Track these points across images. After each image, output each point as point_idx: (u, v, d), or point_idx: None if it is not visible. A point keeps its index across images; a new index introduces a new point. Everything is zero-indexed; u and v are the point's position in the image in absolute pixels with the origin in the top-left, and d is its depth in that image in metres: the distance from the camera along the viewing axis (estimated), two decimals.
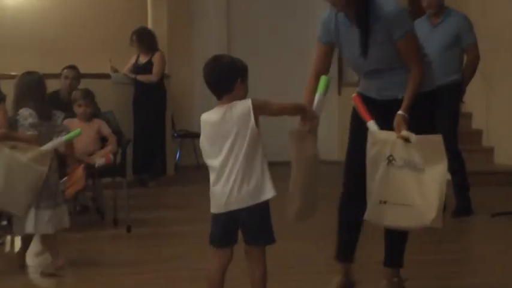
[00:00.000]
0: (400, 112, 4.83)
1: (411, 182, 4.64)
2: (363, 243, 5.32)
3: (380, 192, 4.78)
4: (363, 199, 4.92)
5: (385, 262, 5.34)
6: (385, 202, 4.73)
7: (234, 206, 4.39)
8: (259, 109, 4.43)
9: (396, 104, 4.93)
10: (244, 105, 4.42)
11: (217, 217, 4.49)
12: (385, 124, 4.85)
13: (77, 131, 6.42)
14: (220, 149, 4.50)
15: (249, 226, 4.45)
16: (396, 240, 5.29)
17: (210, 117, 4.58)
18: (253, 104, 4.39)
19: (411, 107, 4.89)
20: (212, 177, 4.52)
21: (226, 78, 4.48)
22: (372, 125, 4.88)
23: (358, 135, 5.01)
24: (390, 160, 4.73)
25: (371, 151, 4.84)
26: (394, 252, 5.31)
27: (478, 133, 11.67)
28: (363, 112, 4.98)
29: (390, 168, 4.72)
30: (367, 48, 4.96)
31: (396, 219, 4.73)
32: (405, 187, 4.67)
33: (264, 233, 4.45)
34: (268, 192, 4.41)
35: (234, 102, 4.45)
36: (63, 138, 6.41)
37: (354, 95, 5.23)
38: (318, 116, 4.76)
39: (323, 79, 4.83)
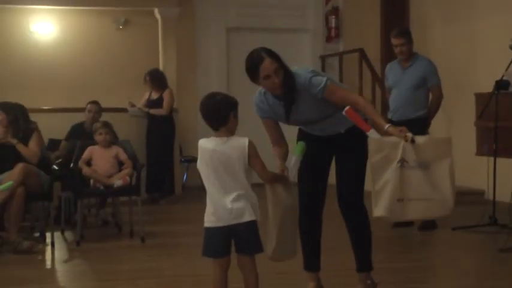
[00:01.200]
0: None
1: (426, 179, 4.65)
2: (335, 251, 5.35)
3: (395, 192, 4.71)
4: (317, 212, 5.19)
5: (357, 268, 5.29)
6: (402, 200, 4.69)
7: (234, 221, 4.43)
8: (251, 153, 4.50)
9: (340, 135, 5.10)
10: (241, 142, 4.51)
11: (216, 230, 4.52)
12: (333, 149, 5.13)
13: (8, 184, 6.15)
14: (217, 171, 4.57)
15: (244, 238, 4.48)
16: (363, 247, 5.26)
17: (207, 145, 4.65)
18: (249, 145, 4.49)
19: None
20: (211, 195, 4.60)
21: (221, 112, 4.56)
22: (373, 133, 4.81)
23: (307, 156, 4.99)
24: (402, 163, 4.69)
25: (375, 157, 4.77)
26: (363, 258, 5.26)
27: None
28: (361, 123, 4.88)
29: (404, 170, 4.68)
30: (289, 116, 5.05)
31: (418, 212, 4.77)
32: (421, 184, 4.66)
33: (254, 243, 4.50)
34: (257, 214, 4.51)
35: (233, 136, 4.54)
36: None
37: (347, 108, 4.99)
38: (293, 176, 4.89)
39: (300, 145, 4.97)
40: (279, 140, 5.14)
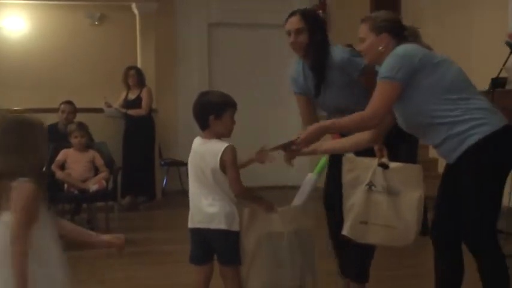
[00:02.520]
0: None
1: (391, 206, 4.62)
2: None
3: (360, 214, 4.74)
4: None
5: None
6: (365, 223, 4.70)
7: (203, 225, 4.43)
8: (226, 160, 4.38)
9: None
10: (217, 147, 4.44)
11: (191, 232, 4.57)
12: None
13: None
14: (196, 172, 4.54)
15: (217, 247, 4.48)
16: (360, 257, 5.28)
17: (193, 144, 4.61)
18: (224, 151, 4.37)
19: None
20: (191, 195, 4.58)
21: (200, 115, 4.52)
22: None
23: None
24: (370, 186, 4.70)
25: (347, 176, 4.82)
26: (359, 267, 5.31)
27: (434, 161, 11.71)
28: (338, 136, 4.98)
29: (370, 193, 4.70)
30: (319, 91, 5.07)
31: (378, 237, 4.73)
32: (386, 210, 4.65)
33: (228, 254, 4.46)
34: (236, 226, 4.39)
35: (213, 139, 4.48)
36: None
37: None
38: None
39: (323, 160, 5.02)
40: (310, 122, 5.02)
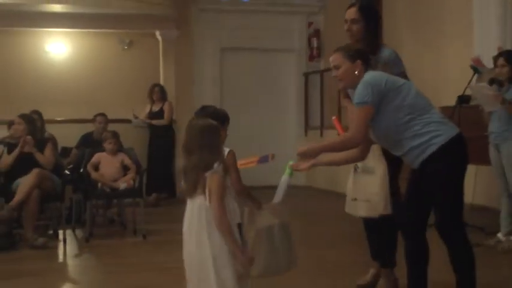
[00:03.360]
0: None
1: (367, 182, 4.69)
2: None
3: (351, 193, 4.83)
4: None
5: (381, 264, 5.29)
6: (355, 199, 4.77)
7: None
8: (228, 163, 4.13)
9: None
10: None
11: None
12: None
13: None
14: None
15: None
16: (384, 242, 5.22)
17: None
18: (227, 155, 4.17)
19: None
20: None
21: None
22: None
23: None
24: (356, 169, 4.79)
25: None
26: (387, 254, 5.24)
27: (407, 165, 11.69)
28: (341, 131, 4.94)
29: (356, 174, 4.79)
30: None
31: (363, 211, 4.76)
32: (364, 187, 4.71)
33: None
34: (237, 219, 4.17)
35: None
36: None
37: (334, 117, 5.22)
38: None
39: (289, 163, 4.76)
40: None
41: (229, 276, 3.68)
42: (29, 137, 7.87)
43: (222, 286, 3.67)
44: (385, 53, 4.94)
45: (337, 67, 4.40)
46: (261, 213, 4.38)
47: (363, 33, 4.85)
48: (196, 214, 3.74)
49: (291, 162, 4.53)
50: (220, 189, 3.65)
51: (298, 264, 4.39)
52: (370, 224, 5.16)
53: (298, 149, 4.43)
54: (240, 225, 4.04)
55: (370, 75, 4.27)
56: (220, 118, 4.37)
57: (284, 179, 4.56)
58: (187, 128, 3.86)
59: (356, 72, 4.29)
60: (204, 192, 3.68)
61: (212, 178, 3.66)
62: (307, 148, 4.48)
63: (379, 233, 5.18)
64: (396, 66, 4.92)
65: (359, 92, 4.20)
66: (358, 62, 4.30)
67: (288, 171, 4.51)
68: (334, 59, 4.43)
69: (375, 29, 4.97)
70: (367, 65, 4.37)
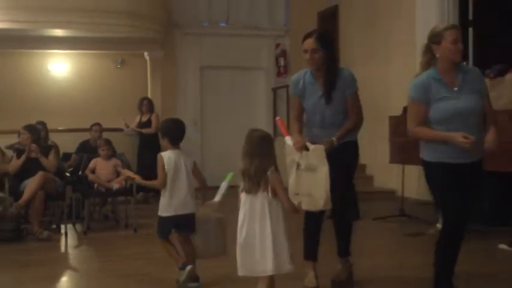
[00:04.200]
0: (333, 138, 4.73)
1: (310, 179, 4.55)
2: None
3: (293, 187, 4.67)
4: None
5: (339, 253, 5.17)
6: (297, 194, 4.63)
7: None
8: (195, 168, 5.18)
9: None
10: (190, 159, 5.21)
11: (169, 218, 5.11)
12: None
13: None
14: (176, 173, 5.10)
15: (188, 223, 5.07)
16: (345, 235, 5.12)
17: (170, 155, 5.15)
18: (195, 162, 5.23)
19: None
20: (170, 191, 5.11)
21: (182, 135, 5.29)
22: (288, 140, 4.77)
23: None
24: (298, 165, 4.63)
25: (287, 158, 4.77)
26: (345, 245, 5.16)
27: (363, 166, 11.78)
28: (284, 130, 4.84)
29: (298, 171, 4.63)
30: (330, 98, 4.78)
31: (305, 205, 4.53)
32: (307, 183, 4.57)
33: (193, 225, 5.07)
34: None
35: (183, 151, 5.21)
36: None
37: (277, 118, 5.22)
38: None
39: (230, 175, 4.99)
40: (299, 116, 4.94)
41: (284, 251, 4.00)
42: (34, 145, 7.87)
43: (277, 256, 3.97)
44: (345, 74, 4.87)
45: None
46: (202, 208, 5.01)
47: (324, 59, 4.74)
48: (260, 206, 4.00)
49: (231, 174, 4.71)
50: (282, 183, 4.00)
51: None
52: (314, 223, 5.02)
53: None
54: None
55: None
56: (173, 132, 5.21)
57: (224, 184, 4.98)
58: (247, 137, 4.15)
59: None
60: (266, 189, 3.98)
61: (273, 176, 3.97)
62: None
63: (340, 227, 5.10)
64: (352, 87, 4.89)
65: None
66: None
67: (228, 177, 4.77)
68: None
69: (333, 55, 4.87)
70: None
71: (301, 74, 4.93)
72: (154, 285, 5.33)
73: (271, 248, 3.94)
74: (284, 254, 3.99)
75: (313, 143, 4.75)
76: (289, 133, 4.80)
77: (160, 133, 5.30)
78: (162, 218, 5.12)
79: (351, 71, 5.06)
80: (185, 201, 5.09)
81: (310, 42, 4.74)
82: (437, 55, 4.33)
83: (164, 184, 5.09)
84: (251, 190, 4.02)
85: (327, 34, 4.91)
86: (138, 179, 5.56)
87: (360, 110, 5.00)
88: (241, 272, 4.05)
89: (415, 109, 4.39)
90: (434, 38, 4.31)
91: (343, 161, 4.83)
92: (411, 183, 8.46)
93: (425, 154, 4.44)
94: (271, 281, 4.05)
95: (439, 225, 7.28)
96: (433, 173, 4.38)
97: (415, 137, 4.49)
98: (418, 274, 5.53)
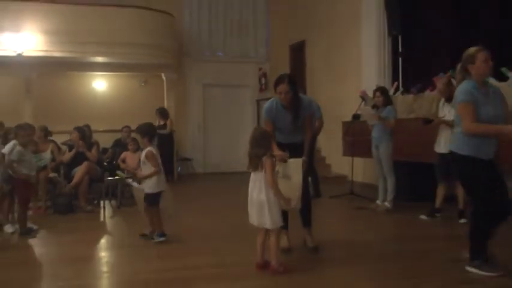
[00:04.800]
0: (303, 158, 4.61)
1: (285, 184, 4.34)
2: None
3: None
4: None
5: (304, 224, 5.05)
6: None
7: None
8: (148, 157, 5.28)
9: (297, 145, 4.77)
10: (145, 151, 5.36)
11: (158, 193, 5.39)
12: (291, 154, 4.54)
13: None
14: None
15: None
16: (308, 211, 5.04)
17: (155, 149, 5.38)
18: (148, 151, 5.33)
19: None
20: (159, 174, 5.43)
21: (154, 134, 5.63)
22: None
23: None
24: (277, 173, 4.41)
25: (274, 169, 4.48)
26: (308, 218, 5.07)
27: (323, 158, 11.77)
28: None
29: (278, 178, 4.38)
30: (297, 124, 4.76)
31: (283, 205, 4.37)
32: (282, 187, 4.28)
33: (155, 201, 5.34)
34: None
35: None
36: None
37: None
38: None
39: (120, 173, 5.11)
40: (273, 133, 4.68)
41: (276, 211, 4.12)
42: (81, 142, 7.84)
43: (272, 215, 4.09)
44: (305, 102, 4.80)
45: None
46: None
47: (292, 96, 4.67)
48: (259, 181, 4.11)
49: (121, 173, 4.77)
50: (271, 166, 4.07)
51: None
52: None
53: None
54: None
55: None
56: (150, 132, 5.37)
57: (136, 187, 5.40)
58: (252, 132, 4.25)
59: None
60: (262, 169, 4.08)
61: (266, 161, 4.07)
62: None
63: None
64: (309, 110, 4.86)
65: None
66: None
67: (120, 175, 4.87)
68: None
69: (297, 92, 4.75)
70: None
71: (273, 104, 4.79)
72: (171, 244, 5.29)
73: (267, 210, 4.08)
74: (276, 214, 4.11)
75: (279, 144, 4.64)
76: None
77: (140, 134, 5.42)
78: (154, 194, 5.33)
79: (310, 98, 5.08)
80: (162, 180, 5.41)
81: (283, 87, 4.62)
82: (472, 72, 4.04)
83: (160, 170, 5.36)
84: (252, 169, 4.15)
85: (292, 77, 4.76)
86: (139, 174, 5.51)
87: (322, 119, 4.93)
88: (250, 221, 4.20)
89: (468, 109, 3.93)
90: (470, 59, 4.03)
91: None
92: (358, 170, 8.46)
93: (466, 150, 4.01)
94: (267, 233, 4.18)
95: (378, 202, 7.31)
96: (474, 166, 4.00)
97: (473, 132, 3.95)
98: (363, 237, 5.56)
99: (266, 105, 4.91)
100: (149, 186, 5.35)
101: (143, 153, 5.32)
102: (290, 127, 4.81)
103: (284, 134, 4.86)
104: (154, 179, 5.33)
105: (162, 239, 5.27)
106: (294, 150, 4.67)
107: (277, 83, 4.68)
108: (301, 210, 4.85)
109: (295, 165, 4.52)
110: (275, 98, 4.81)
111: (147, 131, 5.41)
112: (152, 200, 5.36)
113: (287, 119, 4.78)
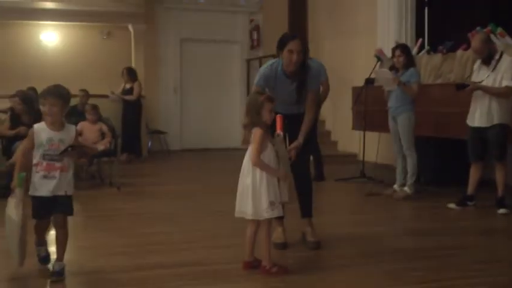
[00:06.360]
0: (299, 141, 4.56)
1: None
2: None
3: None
4: None
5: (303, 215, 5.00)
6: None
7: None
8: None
9: (297, 116, 4.70)
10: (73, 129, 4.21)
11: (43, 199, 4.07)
12: (290, 126, 4.51)
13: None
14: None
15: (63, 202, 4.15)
16: (308, 197, 4.99)
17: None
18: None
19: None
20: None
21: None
22: (280, 134, 4.32)
23: None
24: (276, 153, 4.41)
25: (274, 148, 4.34)
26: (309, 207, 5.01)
27: (328, 132, 11.83)
28: (279, 126, 4.29)
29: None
30: (300, 98, 4.68)
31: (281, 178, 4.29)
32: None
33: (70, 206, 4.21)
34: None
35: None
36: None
37: (278, 115, 4.35)
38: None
39: (20, 176, 4.00)
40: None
41: (263, 201, 4.01)
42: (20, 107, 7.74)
43: (255, 203, 4.02)
44: (313, 71, 4.72)
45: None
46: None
47: (302, 57, 4.58)
48: (247, 158, 4.10)
49: (22, 174, 3.97)
50: (259, 139, 4.00)
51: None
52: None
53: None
54: None
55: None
56: (65, 97, 4.09)
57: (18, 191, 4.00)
58: (248, 96, 4.29)
59: None
60: (251, 142, 4.07)
61: (254, 132, 4.04)
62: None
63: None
64: (317, 83, 4.93)
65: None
66: None
67: (19, 177, 3.99)
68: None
69: (306, 58, 4.70)
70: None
71: (273, 70, 4.68)
72: (137, 238, 5.25)
73: (250, 196, 4.01)
74: (263, 204, 4.00)
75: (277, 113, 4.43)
76: (280, 129, 4.38)
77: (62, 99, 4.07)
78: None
79: (319, 62, 5.00)
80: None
81: (297, 44, 4.52)
82: None
83: None
84: (245, 142, 4.15)
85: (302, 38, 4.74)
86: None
87: (327, 82, 4.87)
88: (236, 214, 4.15)
89: None
90: None
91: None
92: (371, 147, 8.46)
93: None
94: (257, 225, 4.13)
95: (395, 186, 7.32)
96: None
97: None
98: (376, 231, 5.55)
99: (262, 69, 4.76)
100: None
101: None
102: (291, 100, 4.73)
103: (283, 104, 4.69)
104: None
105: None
106: (294, 122, 4.61)
107: (287, 39, 4.58)
108: (300, 197, 4.75)
109: (280, 143, 4.33)
110: (276, 61, 4.70)
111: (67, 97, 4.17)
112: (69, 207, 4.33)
113: (289, 90, 4.70)
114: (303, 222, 5.02)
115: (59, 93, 4.08)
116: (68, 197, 4.20)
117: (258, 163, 4.03)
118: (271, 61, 4.75)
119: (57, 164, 4.07)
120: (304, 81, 4.65)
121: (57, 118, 4.06)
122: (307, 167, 5.00)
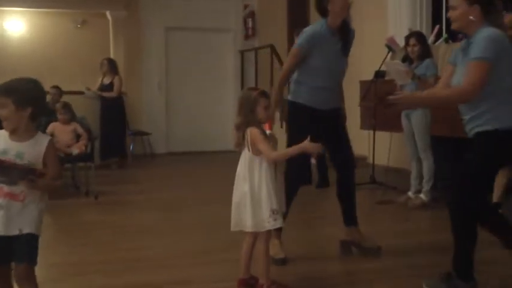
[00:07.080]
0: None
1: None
2: None
3: None
4: None
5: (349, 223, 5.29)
6: None
7: None
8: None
9: (337, 111, 5.05)
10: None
11: None
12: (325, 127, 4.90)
13: None
14: None
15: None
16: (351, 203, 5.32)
17: None
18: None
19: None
20: None
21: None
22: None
23: None
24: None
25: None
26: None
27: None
28: (268, 127, 4.41)
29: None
30: (347, 52, 4.96)
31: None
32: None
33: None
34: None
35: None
36: None
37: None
38: None
39: None
40: (291, 73, 4.95)
41: (264, 210, 3.94)
42: None
43: (255, 214, 3.94)
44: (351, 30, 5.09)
45: (453, 7, 3.96)
46: None
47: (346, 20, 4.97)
48: (243, 163, 4.03)
49: None
50: (259, 136, 3.95)
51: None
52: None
53: (392, 98, 4.04)
54: None
55: (492, 32, 3.80)
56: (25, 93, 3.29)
57: None
58: (240, 93, 4.26)
59: (471, 17, 3.86)
60: (247, 146, 3.99)
61: (252, 132, 3.97)
62: (402, 97, 4.13)
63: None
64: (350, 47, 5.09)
65: (481, 46, 3.74)
66: (476, 6, 3.84)
67: None
68: None
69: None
70: (486, 13, 3.89)
71: (318, 28, 4.88)
72: (117, 253, 5.23)
73: (249, 206, 3.95)
74: (264, 213, 3.94)
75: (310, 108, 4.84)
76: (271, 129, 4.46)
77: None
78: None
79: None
80: None
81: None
82: None
83: None
84: (238, 145, 4.08)
85: None
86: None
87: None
88: (232, 228, 4.06)
89: None
90: None
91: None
92: (382, 149, 8.45)
93: None
94: (255, 237, 4.07)
95: (410, 193, 7.31)
96: None
97: None
98: (389, 243, 5.52)
99: (308, 28, 4.94)
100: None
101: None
102: (335, 63, 4.93)
103: (324, 80, 4.90)
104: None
105: None
106: (332, 118, 5.04)
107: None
108: (343, 204, 5.25)
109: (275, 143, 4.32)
110: (318, 22, 4.92)
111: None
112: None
113: (335, 49, 4.90)
114: (351, 231, 5.24)
115: (11, 88, 3.21)
116: (26, 239, 3.27)
117: (276, 158, 4.02)
118: (317, 22, 4.97)
119: (6, 189, 3.18)
120: (347, 35, 4.94)
121: (17, 123, 3.21)
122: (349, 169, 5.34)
